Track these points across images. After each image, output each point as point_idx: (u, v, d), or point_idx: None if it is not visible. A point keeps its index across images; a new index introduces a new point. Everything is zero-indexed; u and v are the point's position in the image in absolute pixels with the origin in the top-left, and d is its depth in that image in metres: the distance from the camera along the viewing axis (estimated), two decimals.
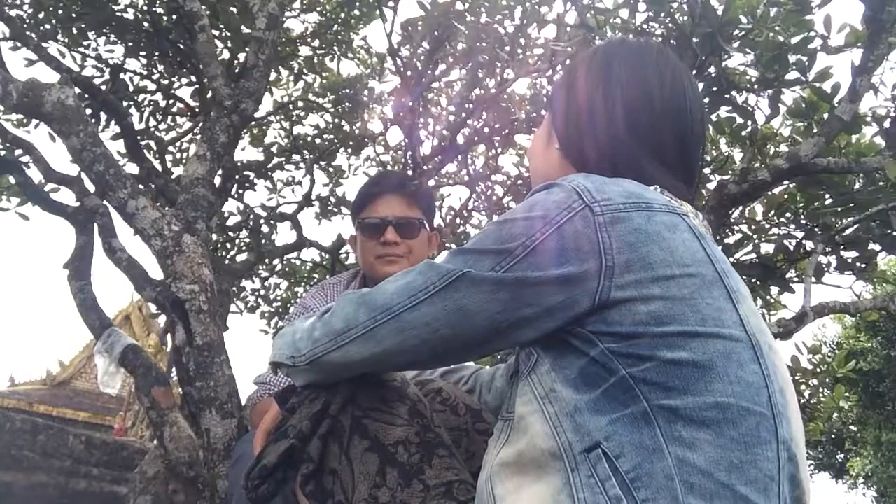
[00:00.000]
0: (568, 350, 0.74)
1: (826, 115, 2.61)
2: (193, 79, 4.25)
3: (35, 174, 2.94)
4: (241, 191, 4.98)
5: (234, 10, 3.60)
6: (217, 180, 3.15)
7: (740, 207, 3.44)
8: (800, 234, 3.29)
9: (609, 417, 0.69)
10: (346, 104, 5.04)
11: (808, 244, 3.24)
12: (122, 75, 4.14)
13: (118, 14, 3.92)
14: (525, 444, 0.74)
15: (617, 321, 0.71)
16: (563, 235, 0.73)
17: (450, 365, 1.01)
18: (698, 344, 0.69)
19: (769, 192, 3.13)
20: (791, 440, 0.71)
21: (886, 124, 2.64)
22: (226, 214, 4.95)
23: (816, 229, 3.09)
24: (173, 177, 4.24)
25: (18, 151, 3.05)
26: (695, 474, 0.65)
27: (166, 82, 4.36)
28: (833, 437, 14.84)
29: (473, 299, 0.75)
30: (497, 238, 0.77)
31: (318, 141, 5.25)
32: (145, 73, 4.31)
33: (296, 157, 5.26)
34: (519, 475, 0.74)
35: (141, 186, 3.40)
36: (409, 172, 3.94)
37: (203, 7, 2.90)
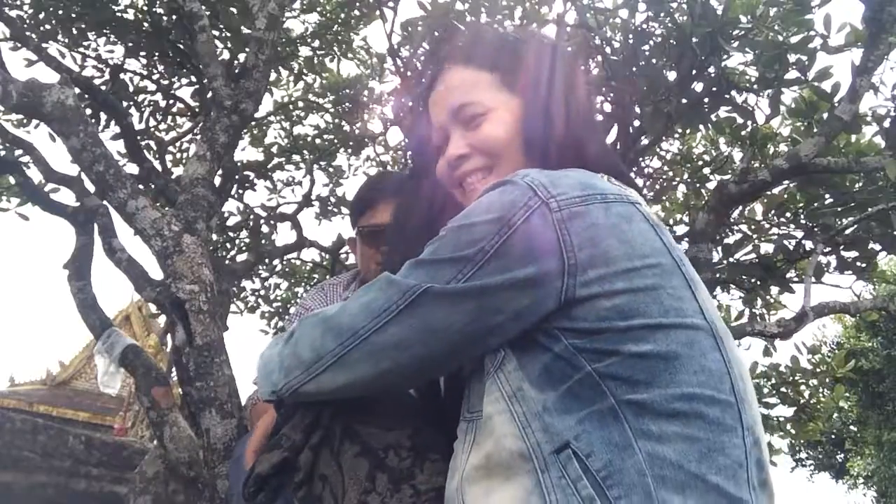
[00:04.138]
0: (532, 347, 0.73)
1: (826, 115, 2.61)
2: (193, 79, 4.25)
3: (35, 174, 2.95)
4: (241, 191, 4.98)
5: (234, 10, 3.60)
6: (217, 180, 3.16)
7: (740, 207, 3.44)
8: (800, 234, 3.30)
9: (577, 416, 0.68)
10: (346, 104, 5.04)
11: (808, 244, 3.24)
12: (122, 75, 4.14)
13: (118, 14, 3.92)
14: (492, 445, 0.72)
15: (581, 317, 0.70)
16: (522, 236, 0.71)
17: (428, 382, 1.01)
18: (662, 335, 0.69)
19: (769, 192, 3.13)
20: (755, 424, 0.72)
21: (886, 124, 2.64)
22: (226, 214, 4.95)
23: (816, 229, 3.09)
24: (173, 177, 4.24)
25: (18, 152, 3.06)
26: (666, 467, 0.65)
27: (166, 82, 4.36)
28: (833, 437, 14.84)
29: (439, 314, 0.73)
30: (455, 245, 0.74)
31: (318, 141, 5.25)
32: (145, 73, 4.31)
33: (296, 158, 5.27)
34: (487, 479, 0.72)
35: (141, 186, 3.40)
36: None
37: (203, 7, 2.90)
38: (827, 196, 3.02)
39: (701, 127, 3.32)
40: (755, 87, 2.79)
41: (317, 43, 4.89)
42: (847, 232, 3.06)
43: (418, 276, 0.75)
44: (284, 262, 5.64)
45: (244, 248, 5.20)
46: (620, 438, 0.66)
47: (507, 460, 0.70)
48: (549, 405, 0.69)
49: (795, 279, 3.45)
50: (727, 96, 2.87)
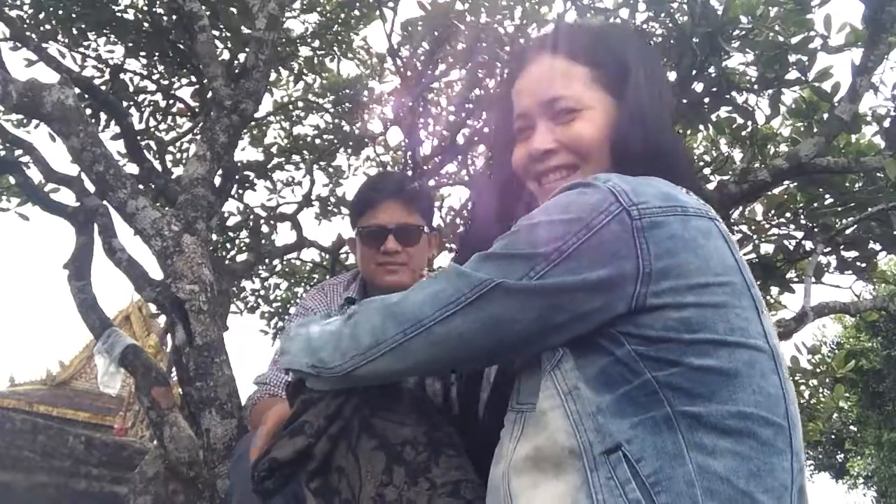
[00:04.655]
0: (592, 348, 0.73)
1: (826, 115, 2.61)
2: (193, 79, 4.25)
3: (35, 174, 2.95)
4: (241, 191, 4.98)
5: (234, 10, 3.60)
6: (217, 180, 3.16)
7: (740, 207, 3.44)
8: (800, 234, 3.30)
9: (631, 420, 0.69)
10: (346, 104, 5.04)
11: (808, 244, 3.24)
12: (122, 75, 4.14)
13: (118, 14, 3.92)
14: (544, 439, 0.73)
15: (647, 325, 0.70)
16: (601, 240, 0.71)
17: (470, 370, 1.01)
18: (725, 352, 0.69)
19: (769, 192, 3.13)
20: (800, 450, 0.72)
21: (886, 124, 2.64)
22: (226, 214, 4.95)
23: (816, 229, 3.09)
24: (173, 177, 4.24)
25: (18, 152, 3.06)
26: (715, 481, 0.65)
27: (166, 82, 4.36)
28: (833, 437, 14.83)
29: (508, 309, 0.73)
30: (529, 241, 0.74)
31: (318, 141, 5.24)
32: (145, 73, 4.31)
33: (296, 158, 5.26)
34: (536, 471, 0.73)
35: (141, 186, 3.40)
36: (409, 173, 3.94)
37: (203, 7, 2.90)
38: (827, 196, 3.02)
39: (701, 127, 3.32)
40: (755, 87, 2.79)
41: (317, 43, 4.89)
42: (847, 232, 3.06)
43: (489, 270, 0.74)
44: (284, 262, 5.64)
45: (244, 248, 5.20)
46: (673, 447, 0.67)
47: (558, 455, 0.71)
48: (604, 406, 0.70)
49: (795, 279, 3.45)
50: (727, 96, 2.87)
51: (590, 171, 0.89)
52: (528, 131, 0.95)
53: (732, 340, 0.70)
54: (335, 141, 5.18)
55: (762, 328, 0.73)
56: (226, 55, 3.89)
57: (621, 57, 0.93)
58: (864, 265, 3.22)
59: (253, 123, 4.89)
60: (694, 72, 2.82)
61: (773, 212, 3.35)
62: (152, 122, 4.45)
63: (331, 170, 5.41)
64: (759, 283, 3.53)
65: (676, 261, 0.71)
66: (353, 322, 0.85)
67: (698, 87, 2.96)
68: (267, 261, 5.25)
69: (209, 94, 2.98)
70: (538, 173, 0.94)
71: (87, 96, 3.65)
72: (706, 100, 2.96)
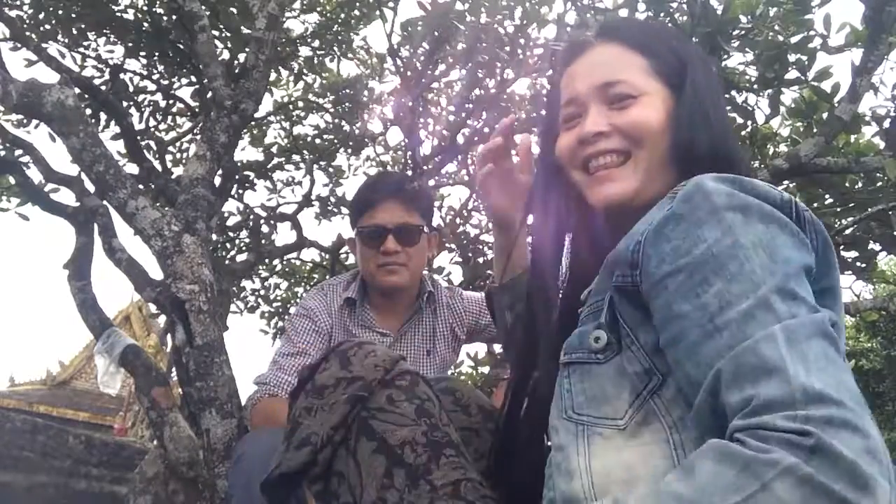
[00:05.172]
0: None
1: (826, 115, 2.60)
2: (193, 79, 4.25)
3: (35, 174, 2.95)
4: (241, 191, 4.97)
5: (234, 10, 3.60)
6: (217, 180, 3.15)
7: None
8: None
9: None
10: (346, 104, 5.03)
11: None
12: (122, 75, 4.13)
13: (118, 14, 3.92)
14: (644, 466, 0.71)
15: None
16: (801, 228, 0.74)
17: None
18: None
19: None
20: None
21: (886, 124, 2.64)
22: (226, 214, 4.94)
23: None
24: (173, 177, 4.24)
25: (18, 152, 3.06)
26: None
27: (166, 82, 4.35)
28: None
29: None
30: (786, 259, 0.69)
31: (318, 141, 5.24)
32: (145, 73, 4.30)
33: (296, 158, 5.26)
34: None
35: (141, 186, 3.40)
36: (409, 172, 3.94)
37: (203, 7, 2.90)
38: (826, 196, 3.02)
39: None
40: (755, 87, 2.78)
41: (317, 43, 4.89)
42: (847, 232, 3.06)
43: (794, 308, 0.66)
44: (284, 262, 5.64)
45: (244, 248, 5.19)
46: None
47: (657, 479, 0.66)
48: (706, 432, 0.67)
49: None
50: (727, 96, 2.87)
51: (642, 159, 0.87)
52: (576, 119, 0.93)
53: None
54: (335, 141, 5.18)
55: None
56: (226, 55, 3.89)
57: (677, 51, 0.92)
58: (863, 265, 3.22)
59: (253, 123, 4.89)
60: None
61: None
62: (152, 122, 4.45)
63: (331, 170, 5.40)
64: None
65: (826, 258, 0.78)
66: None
67: None
68: (267, 261, 5.25)
69: (209, 94, 2.98)
70: (586, 157, 0.91)
71: (87, 96, 3.65)
72: None
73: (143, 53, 4.12)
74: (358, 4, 4.51)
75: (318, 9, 4.74)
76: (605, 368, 0.77)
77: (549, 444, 0.83)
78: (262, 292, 5.59)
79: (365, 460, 0.89)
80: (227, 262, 4.96)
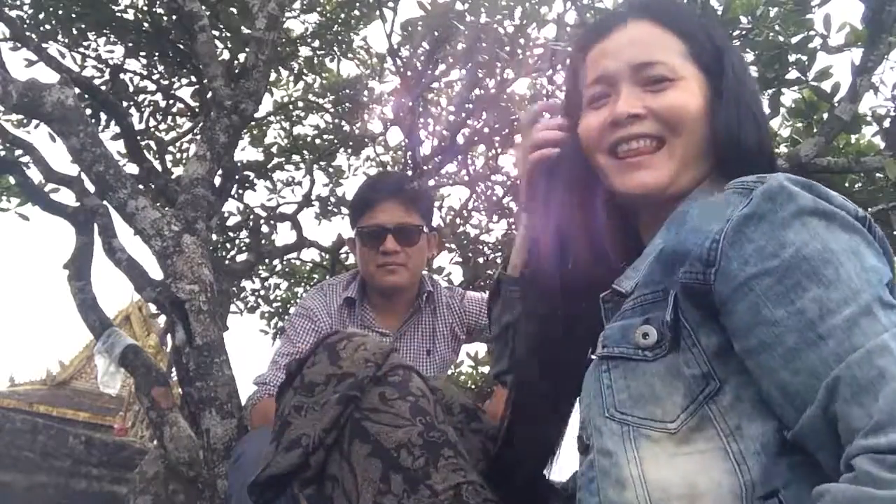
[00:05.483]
0: (751, 381, 0.67)
1: (826, 115, 2.60)
2: (193, 79, 4.25)
3: (35, 174, 2.95)
4: (241, 191, 4.97)
5: (234, 10, 3.60)
6: (217, 180, 3.16)
7: None
8: None
9: (788, 461, 0.64)
10: (346, 104, 5.03)
11: None
12: (122, 75, 4.14)
13: (118, 14, 3.92)
14: (703, 478, 0.67)
15: None
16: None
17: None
18: None
19: None
20: None
21: (886, 124, 2.64)
22: (226, 214, 4.94)
23: None
24: (173, 177, 4.24)
25: (18, 152, 3.06)
26: None
27: (166, 82, 4.36)
28: None
29: None
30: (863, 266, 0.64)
31: (318, 141, 5.24)
32: (145, 73, 4.30)
33: (296, 158, 5.26)
34: None
35: (141, 186, 3.40)
36: (409, 172, 3.95)
37: (203, 7, 2.90)
38: None
39: None
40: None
41: (317, 43, 4.88)
42: None
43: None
44: (284, 262, 5.64)
45: (244, 248, 5.19)
46: None
47: (723, 498, 0.66)
48: (765, 444, 0.65)
49: None
50: None
51: (678, 146, 0.83)
52: (604, 98, 0.87)
53: None
54: (335, 141, 5.18)
55: None
56: (226, 55, 3.89)
57: (713, 37, 0.87)
58: None
59: (253, 123, 4.89)
60: None
61: None
62: (152, 122, 4.46)
63: (331, 170, 5.40)
64: None
65: None
66: None
67: None
68: (267, 261, 5.25)
69: (209, 94, 2.98)
70: (616, 140, 0.85)
71: (87, 96, 3.65)
72: None
73: (143, 53, 4.12)
74: (358, 4, 4.51)
75: (318, 9, 4.74)
76: (655, 367, 0.72)
77: (587, 442, 0.78)
78: (262, 292, 5.59)
79: (360, 464, 0.85)
80: (227, 262, 4.96)
